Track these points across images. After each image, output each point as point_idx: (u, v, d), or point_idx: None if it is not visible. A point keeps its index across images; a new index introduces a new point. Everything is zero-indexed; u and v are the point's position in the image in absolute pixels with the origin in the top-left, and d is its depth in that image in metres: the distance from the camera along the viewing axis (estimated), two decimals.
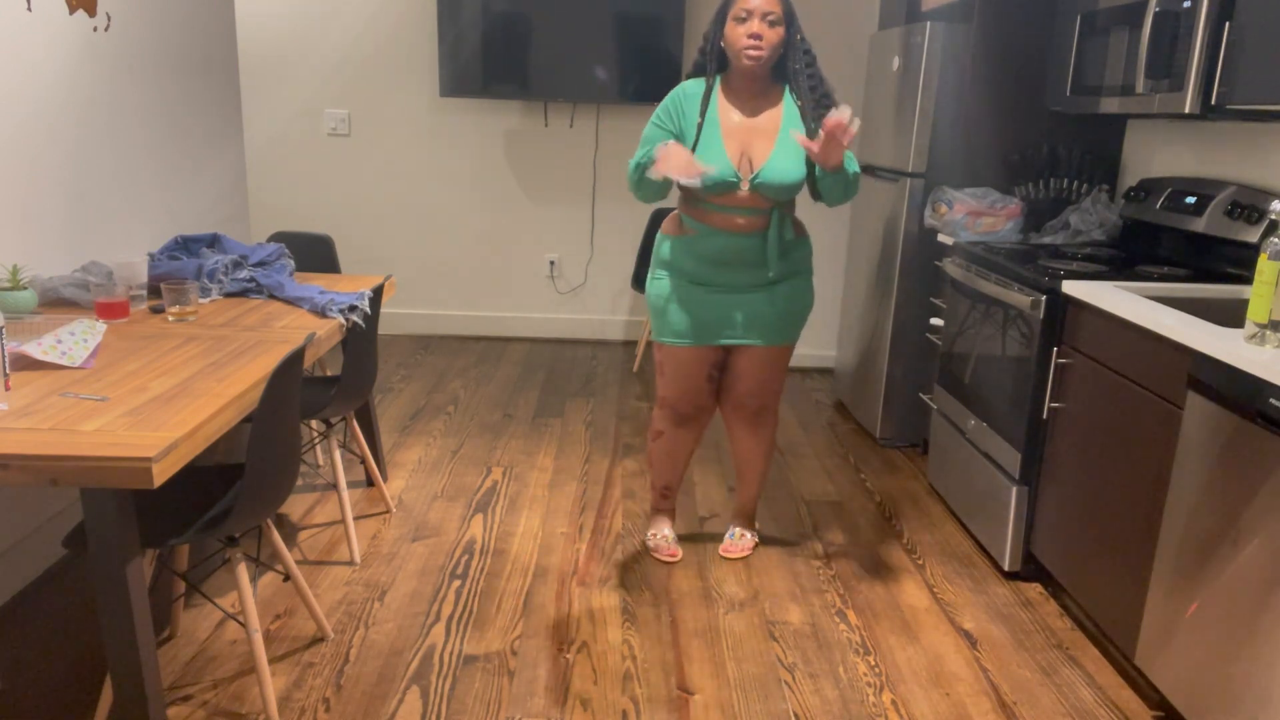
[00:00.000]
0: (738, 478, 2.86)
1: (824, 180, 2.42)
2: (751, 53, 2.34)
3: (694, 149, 2.40)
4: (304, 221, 5.10)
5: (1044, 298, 2.53)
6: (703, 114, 2.42)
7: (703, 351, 2.58)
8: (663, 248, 2.57)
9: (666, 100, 2.48)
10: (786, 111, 2.44)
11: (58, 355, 1.92)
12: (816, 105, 2.41)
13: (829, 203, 2.49)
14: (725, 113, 2.43)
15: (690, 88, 2.47)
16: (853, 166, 2.44)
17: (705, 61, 2.46)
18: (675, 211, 2.58)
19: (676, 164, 2.25)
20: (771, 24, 2.34)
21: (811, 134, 2.40)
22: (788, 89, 2.46)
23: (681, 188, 2.47)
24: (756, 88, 2.44)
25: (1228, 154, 2.79)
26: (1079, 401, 2.43)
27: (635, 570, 2.71)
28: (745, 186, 2.40)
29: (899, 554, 2.88)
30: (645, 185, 2.42)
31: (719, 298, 2.52)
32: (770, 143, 2.41)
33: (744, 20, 2.34)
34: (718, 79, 2.46)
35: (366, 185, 5.10)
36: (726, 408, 2.73)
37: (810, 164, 2.42)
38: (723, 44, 2.40)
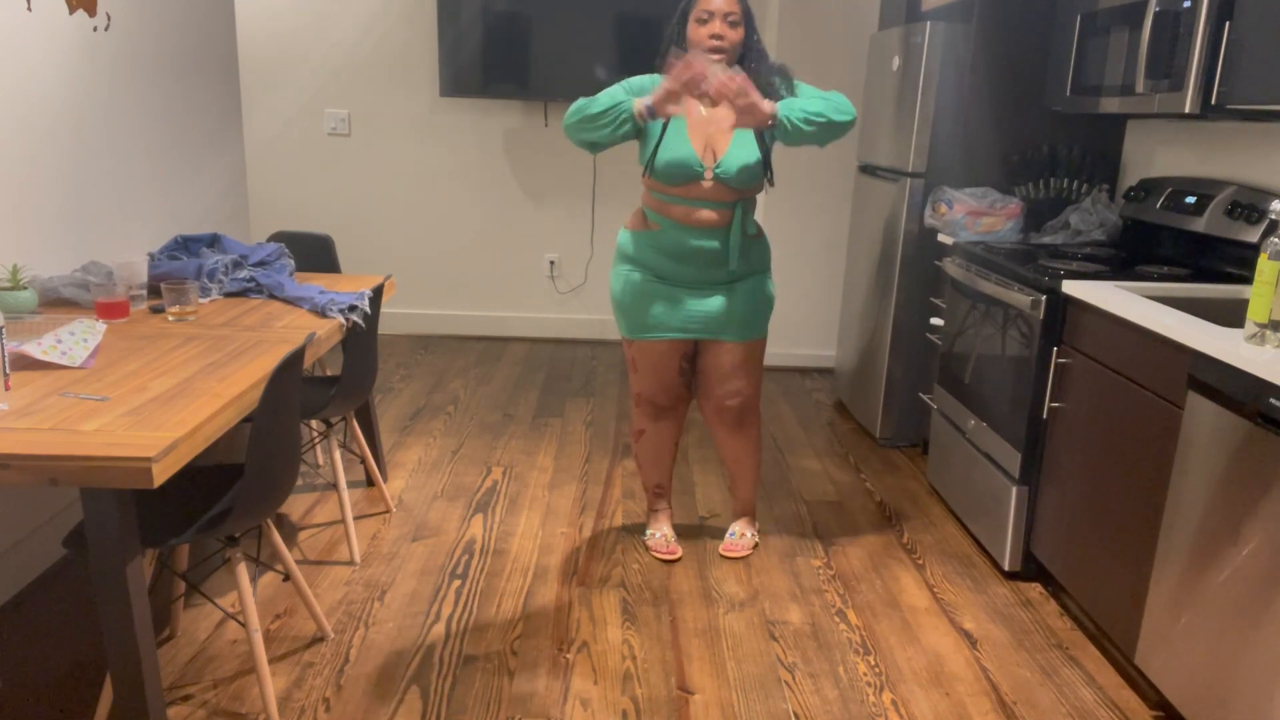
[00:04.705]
0: (731, 480, 2.87)
1: (786, 137, 2.41)
2: (713, 55, 2.39)
3: (659, 141, 2.45)
4: (304, 221, 5.10)
5: (1044, 298, 2.53)
6: None
7: (672, 344, 2.61)
8: (625, 243, 2.61)
9: (635, 80, 2.49)
10: None
11: (58, 355, 1.92)
12: (764, 96, 2.43)
13: (821, 142, 2.44)
14: (690, 108, 2.47)
15: (658, 79, 2.48)
16: (796, 110, 2.37)
17: (662, 64, 2.48)
18: (639, 207, 2.61)
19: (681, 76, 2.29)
20: (732, 24, 2.40)
21: (761, 133, 2.45)
22: None
23: (648, 181, 2.52)
24: None
25: (1228, 154, 2.79)
26: (1079, 401, 2.43)
27: (635, 570, 2.71)
28: (709, 177, 2.43)
29: (899, 554, 2.88)
30: (602, 115, 2.37)
31: (681, 293, 2.56)
32: (731, 135, 2.45)
33: (705, 21, 2.40)
34: None
35: (366, 185, 5.10)
36: (709, 413, 2.73)
37: (767, 140, 2.47)
38: (686, 45, 2.45)
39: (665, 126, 2.46)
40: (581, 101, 2.43)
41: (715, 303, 2.57)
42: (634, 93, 2.47)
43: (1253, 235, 2.50)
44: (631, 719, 2.06)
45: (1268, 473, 1.74)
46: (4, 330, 1.82)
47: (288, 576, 2.38)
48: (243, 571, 1.95)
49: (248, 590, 1.95)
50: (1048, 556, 2.59)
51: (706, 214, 2.48)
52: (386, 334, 5.24)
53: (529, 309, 5.28)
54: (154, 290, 2.57)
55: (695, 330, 2.58)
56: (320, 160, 5.06)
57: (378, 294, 2.73)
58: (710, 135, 2.45)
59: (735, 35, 2.40)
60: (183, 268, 2.61)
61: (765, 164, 2.48)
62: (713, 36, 2.38)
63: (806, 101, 2.41)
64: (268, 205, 5.09)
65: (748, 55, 2.46)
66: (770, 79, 2.46)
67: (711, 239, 2.50)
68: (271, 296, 2.64)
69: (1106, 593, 2.29)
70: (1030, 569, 2.72)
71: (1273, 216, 2.45)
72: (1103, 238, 3.13)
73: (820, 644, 2.38)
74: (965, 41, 3.34)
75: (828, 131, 2.41)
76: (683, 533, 2.94)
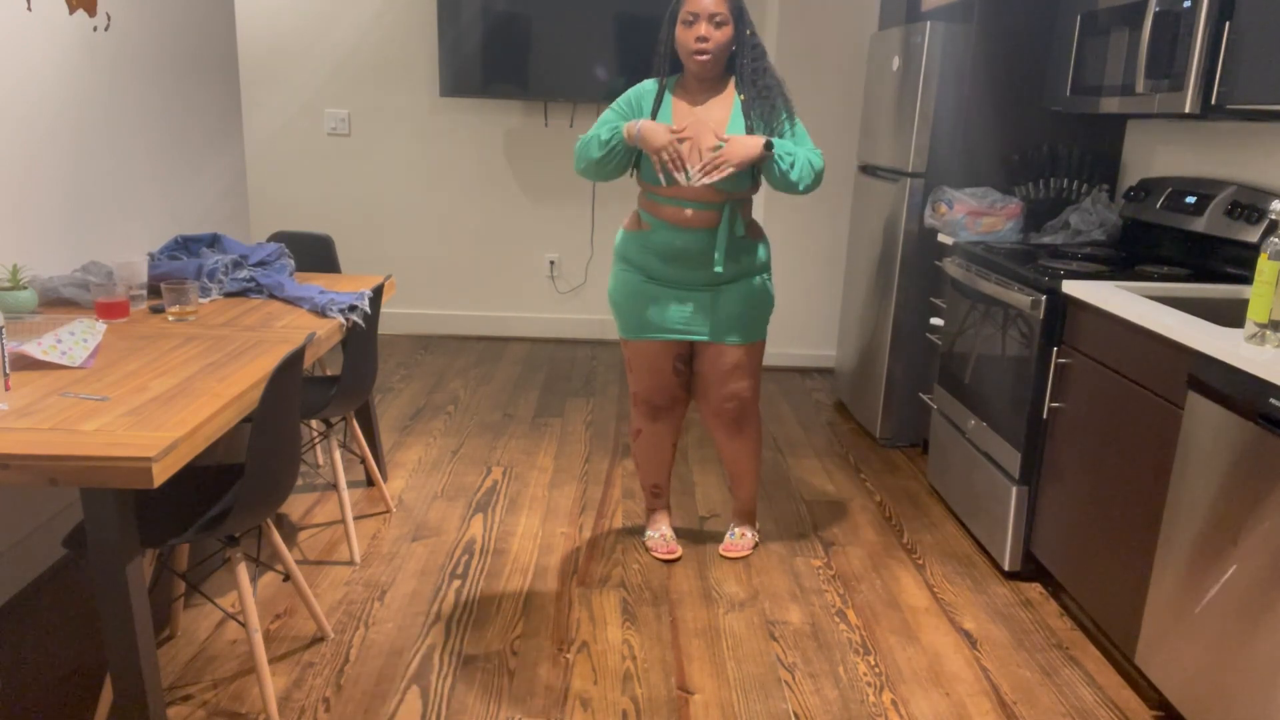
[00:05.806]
0: (731, 481, 2.86)
1: (768, 177, 2.47)
2: (699, 56, 2.40)
3: None
4: (304, 221, 5.10)
5: (1044, 298, 2.53)
6: (655, 112, 2.48)
7: (665, 345, 2.61)
8: (621, 242, 2.62)
9: (626, 93, 2.54)
10: (735, 105, 2.48)
11: (58, 355, 1.92)
12: (758, 97, 2.45)
13: (784, 190, 2.49)
14: (676, 108, 2.49)
15: (647, 86, 2.54)
16: (788, 163, 2.42)
17: (659, 65, 2.51)
18: (635, 208, 2.62)
19: (658, 137, 2.34)
20: (718, 25, 2.39)
21: (750, 128, 2.43)
22: (735, 83, 2.51)
23: (641, 181, 2.53)
24: (707, 85, 2.50)
25: (1228, 154, 2.79)
26: (1079, 401, 2.43)
27: (635, 570, 2.71)
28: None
29: (899, 554, 2.88)
30: (604, 158, 2.45)
31: (672, 293, 2.56)
32: (719, 133, 2.44)
33: (691, 23, 2.40)
34: (672, 79, 2.53)
35: (366, 185, 5.10)
36: (707, 415, 2.73)
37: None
38: (675, 46, 2.46)
39: None
40: (580, 146, 2.49)
41: (707, 304, 2.56)
42: (628, 107, 2.51)
43: (1253, 235, 2.50)
44: (631, 719, 2.06)
45: (1268, 473, 1.74)
46: (4, 330, 1.82)
47: (288, 576, 2.38)
48: (243, 571, 1.95)
49: (248, 590, 1.95)
50: (1048, 556, 2.59)
51: (693, 214, 2.47)
52: (386, 334, 5.25)
53: (529, 309, 5.28)
54: (154, 290, 2.57)
55: (687, 332, 2.58)
56: (320, 160, 5.06)
57: (378, 294, 2.73)
58: (697, 135, 2.44)
59: (721, 36, 2.40)
60: (183, 268, 2.61)
61: (752, 165, 2.45)
62: (698, 39, 2.38)
63: (799, 156, 2.42)
64: (268, 205, 5.09)
65: (740, 52, 2.45)
66: (774, 105, 2.45)
67: (699, 240, 2.49)
68: (271, 296, 2.64)
69: (1106, 593, 2.29)
70: (1030, 569, 2.72)
71: (1273, 216, 2.45)
72: (1103, 238, 3.13)
73: (820, 644, 2.38)
74: (965, 41, 3.34)
75: (794, 190, 2.47)
76: (683, 533, 2.94)
